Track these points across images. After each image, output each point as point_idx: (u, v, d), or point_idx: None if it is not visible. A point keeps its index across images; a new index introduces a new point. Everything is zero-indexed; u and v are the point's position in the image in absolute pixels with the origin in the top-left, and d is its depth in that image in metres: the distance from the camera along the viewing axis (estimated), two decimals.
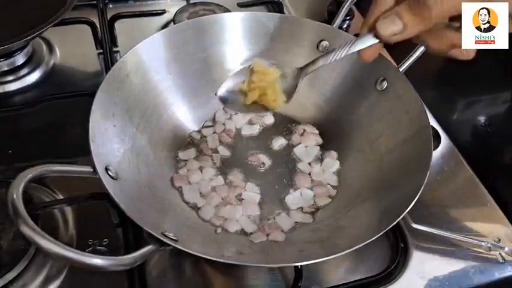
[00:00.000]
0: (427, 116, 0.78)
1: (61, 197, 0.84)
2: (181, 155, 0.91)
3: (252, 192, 0.86)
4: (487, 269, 0.81)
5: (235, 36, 0.96)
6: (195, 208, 0.83)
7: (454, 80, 1.14)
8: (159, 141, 0.89)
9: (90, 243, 0.77)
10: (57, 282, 0.74)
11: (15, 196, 0.56)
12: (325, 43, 0.94)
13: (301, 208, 0.84)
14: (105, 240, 0.78)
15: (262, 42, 0.97)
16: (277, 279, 0.78)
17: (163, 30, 0.91)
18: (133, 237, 0.77)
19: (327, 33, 0.93)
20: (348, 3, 0.96)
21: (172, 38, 0.91)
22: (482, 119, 1.07)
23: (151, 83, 0.89)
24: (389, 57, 1.00)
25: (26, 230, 0.54)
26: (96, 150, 0.70)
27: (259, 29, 0.96)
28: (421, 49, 0.84)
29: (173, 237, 0.65)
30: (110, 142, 0.77)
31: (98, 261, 0.56)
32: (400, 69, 0.86)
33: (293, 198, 0.85)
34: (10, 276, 0.71)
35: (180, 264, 0.78)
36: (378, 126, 0.87)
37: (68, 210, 0.82)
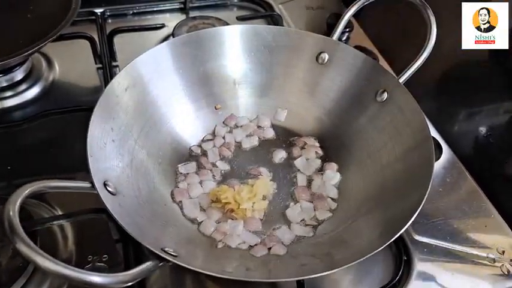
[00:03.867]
0: (428, 127, 0.78)
1: (60, 213, 0.83)
2: (182, 169, 0.90)
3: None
4: (491, 281, 0.80)
5: (234, 49, 0.96)
6: (196, 223, 0.82)
7: (454, 90, 1.14)
8: (158, 155, 0.88)
9: (89, 259, 0.76)
10: None
11: (11, 213, 0.55)
12: (324, 55, 0.94)
13: (302, 221, 0.84)
14: (105, 256, 0.77)
15: (261, 55, 0.97)
16: None
17: (162, 43, 0.91)
18: (134, 252, 0.76)
19: (327, 45, 0.93)
20: (347, 16, 0.96)
21: (172, 51, 0.91)
22: (483, 129, 1.06)
23: (150, 97, 0.89)
24: (388, 69, 1.00)
25: (22, 248, 0.53)
26: (94, 165, 0.69)
27: (259, 41, 0.96)
28: (421, 60, 0.84)
29: (173, 253, 0.64)
30: (109, 157, 0.76)
31: (96, 278, 0.55)
32: (400, 81, 0.85)
33: (293, 212, 0.85)
34: None
35: (181, 280, 0.77)
36: (378, 138, 0.87)
37: (67, 227, 0.81)
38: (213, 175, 0.90)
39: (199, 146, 0.95)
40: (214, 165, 0.92)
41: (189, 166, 0.91)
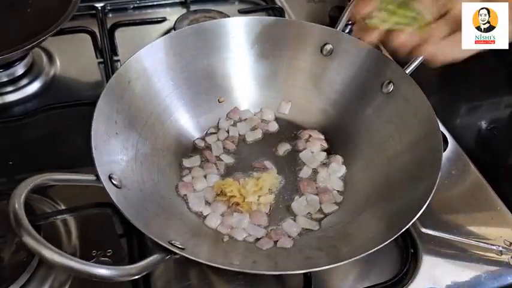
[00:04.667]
0: (436, 118, 0.77)
1: (63, 207, 0.82)
2: (186, 162, 0.89)
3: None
4: (499, 273, 0.79)
5: (238, 42, 0.95)
6: (201, 216, 0.82)
7: (457, 84, 1.14)
8: (162, 148, 0.87)
9: (93, 254, 0.76)
10: None
11: (16, 206, 0.55)
12: (329, 47, 0.93)
13: (308, 214, 0.83)
14: (109, 251, 0.76)
15: (265, 48, 0.96)
16: (286, 286, 0.77)
17: (166, 35, 0.90)
18: (138, 247, 0.76)
19: (331, 37, 0.92)
20: (350, 8, 0.95)
21: (175, 43, 0.90)
22: (487, 122, 1.06)
23: (153, 90, 0.88)
24: None
25: (28, 240, 0.52)
26: (99, 158, 0.69)
27: (263, 33, 0.95)
28: None
29: (180, 246, 0.64)
30: (113, 150, 0.76)
31: (103, 271, 0.54)
32: (406, 72, 0.85)
33: (299, 205, 0.84)
34: None
35: (186, 274, 0.77)
36: (385, 130, 0.86)
37: (71, 221, 0.81)
38: (217, 168, 0.89)
39: (203, 139, 0.94)
40: (218, 158, 0.91)
41: (193, 160, 0.90)
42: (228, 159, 0.91)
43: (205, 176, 0.87)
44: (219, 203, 0.83)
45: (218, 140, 0.94)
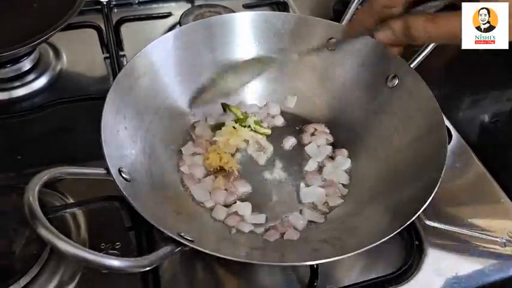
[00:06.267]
0: (441, 112, 0.78)
1: (72, 201, 0.83)
2: (183, 149, 0.90)
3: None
4: (502, 265, 0.80)
5: (244, 37, 0.96)
6: (207, 208, 0.82)
7: (460, 77, 1.14)
8: (170, 142, 0.89)
9: (102, 247, 0.76)
10: None
11: (31, 198, 0.56)
12: (334, 41, 0.93)
13: (314, 205, 0.84)
14: (118, 244, 0.77)
15: (271, 42, 0.96)
16: (292, 279, 0.77)
17: (173, 31, 0.91)
18: (146, 240, 0.76)
19: (337, 31, 0.92)
20: (355, 1, 0.95)
21: (182, 39, 0.91)
22: (490, 115, 1.06)
23: (161, 85, 0.89)
24: None
25: (43, 232, 0.53)
26: (108, 152, 0.69)
27: (268, 28, 0.95)
28: (431, 46, 0.83)
29: (189, 238, 0.64)
30: (122, 144, 0.77)
31: (115, 262, 0.55)
32: (411, 66, 0.85)
33: (305, 193, 0.85)
34: (23, 282, 0.70)
35: (192, 267, 0.78)
36: (390, 124, 0.86)
37: (80, 215, 0.81)
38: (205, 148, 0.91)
39: None
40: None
41: (187, 146, 0.91)
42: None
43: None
44: (218, 191, 0.84)
45: None
